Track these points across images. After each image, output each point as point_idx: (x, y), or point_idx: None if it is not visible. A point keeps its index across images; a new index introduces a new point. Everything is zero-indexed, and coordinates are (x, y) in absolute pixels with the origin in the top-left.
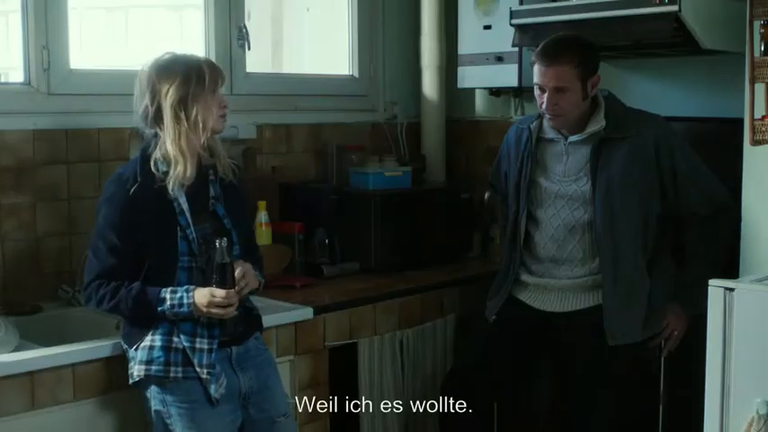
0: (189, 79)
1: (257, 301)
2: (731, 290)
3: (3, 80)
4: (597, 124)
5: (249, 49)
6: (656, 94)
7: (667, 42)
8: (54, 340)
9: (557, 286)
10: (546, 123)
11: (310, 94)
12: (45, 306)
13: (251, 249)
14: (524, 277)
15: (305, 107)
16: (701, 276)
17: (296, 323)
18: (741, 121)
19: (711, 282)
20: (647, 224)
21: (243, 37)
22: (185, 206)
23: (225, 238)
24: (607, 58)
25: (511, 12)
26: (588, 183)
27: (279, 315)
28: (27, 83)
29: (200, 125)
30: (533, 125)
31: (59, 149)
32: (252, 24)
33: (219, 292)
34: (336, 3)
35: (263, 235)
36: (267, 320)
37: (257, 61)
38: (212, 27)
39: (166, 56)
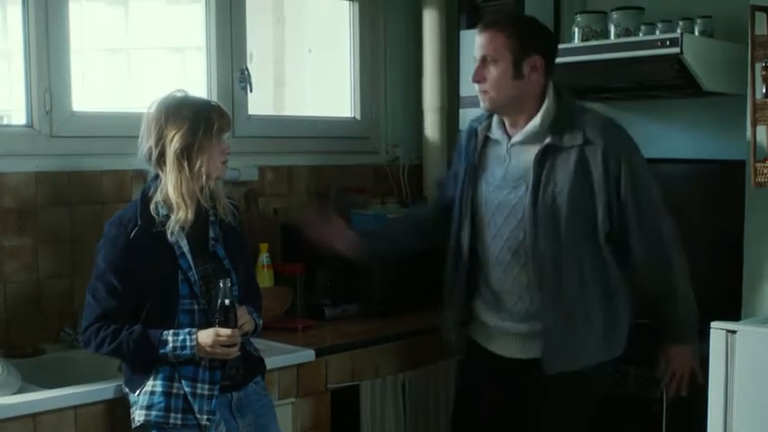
0: (197, 128)
1: (258, 344)
2: (733, 332)
3: (5, 122)
4: (532, 124)
5: (251, 91)
6: (658, 135)
7: (669, 84)
8: (56, 382)
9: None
10: (494, 122)
11: (312, 137)
12: (47, 348)
13: (251, 290)
14: (478, 310)
15: (307, 149)
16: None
17: (298, 365)
18: (743, 162)
19: (713, 324)
20: (595, 244)
21: (245, 79)
22: (186, 248)
23: (228, 279)
24: (609, 100)
25: None
26: (527, 193)
27: (280, 357)
28: (29, 125)
29: (203, 174)
30: (483, 124)
31: (62, 191)
32: (253, 66)
33: (224, 331)
34: (338, 44)
35: (265, 277)
36: (269, 363)
37: (259, 102)
38: (214, 69)
39: (177, 95)
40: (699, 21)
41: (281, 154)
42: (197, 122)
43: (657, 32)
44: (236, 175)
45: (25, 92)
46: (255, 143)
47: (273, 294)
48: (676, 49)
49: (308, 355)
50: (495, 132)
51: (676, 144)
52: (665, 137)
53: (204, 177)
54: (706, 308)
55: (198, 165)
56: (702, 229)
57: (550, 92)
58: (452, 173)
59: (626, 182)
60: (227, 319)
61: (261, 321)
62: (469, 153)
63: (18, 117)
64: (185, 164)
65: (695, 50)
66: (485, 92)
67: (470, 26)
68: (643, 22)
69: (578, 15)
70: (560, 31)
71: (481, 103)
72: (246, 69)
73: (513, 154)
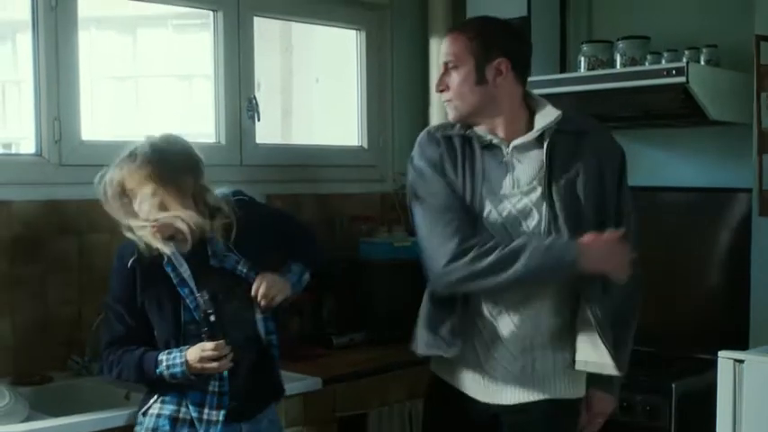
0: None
1: None
2: (741, 362)
3: (14, 150)
4: (547, 117)
5: (259, 120)
6: (664, 164)
7: (675, 113)
8: (64, 410)
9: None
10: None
11: (320, 165)
12: (55, 376)
13: (293, 245)
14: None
15: (314, 177)
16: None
17: (305, 394)
18: (749, 191)
19: (721, 354)
20: None
21: (252, 108)
22: (187, 274)
23: (205, 291)
24: (615, 129)
25: None
26: (543, 191)
27: (288, 385)
28: (39, 154)
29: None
30: (456, 129)
31: (70, 220)
32: (261, 94)
33: (209, 345)
34: (345, 74)
35: None
36: None
37: (266, 131)
38: (222, 98)
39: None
40: (704, 50)
41: (288, 182)
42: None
43: (663, 62)
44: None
45: (35, 121)
46: (263, 171)
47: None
48: (682, 79)
49: (315, 383)
50: (485, 136)
51: (682, 172)
52: (672, 165)
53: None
54: (712, 337)
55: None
56: (708, 258)
57: (539, 97)
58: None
59: (624, 191)
60: (212, 331)
61: (307, 276)
62: (466, 161)
63: (26, 145)
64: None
65: (701, 80)
66: (449, 101)
67: None
68: (649, 51)
69: (584, 45)
70: (566, 61)
71: (448, 114)
72: (254, 98)
73: (518, 157)
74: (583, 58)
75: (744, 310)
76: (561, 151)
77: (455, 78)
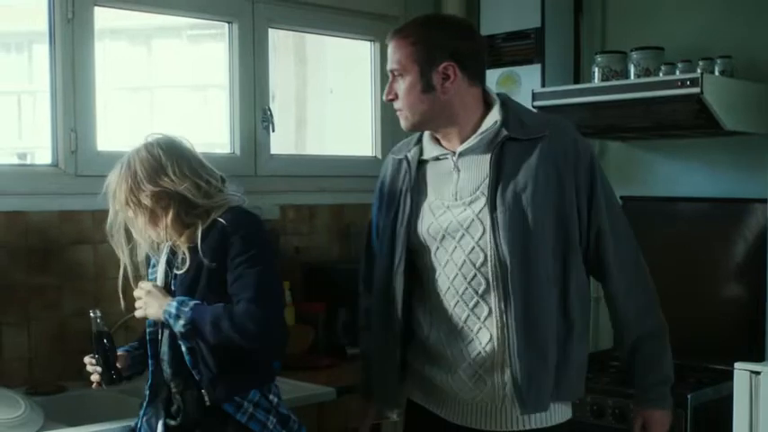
0: None
1: (279, 383)
2: (757, 373)
3: (29, 160)
4: (491, 119)
5: (273, 131)
6: (679, 174)
7: (690, 124)
8: (79, 420)
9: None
10: (426, 140)
11: (334, 175)
12: (70, 386)
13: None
14: (418, 366)
15: (328, 188)
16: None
17: (318, 404)
18: (764, 201)
19: (737, 365)
20: (567, 255)
21: (267, 119)
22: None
23: (98, 310)
24: (629, 139)
25: (533, 94)
26: (487, 200)
27: (302, 395)
28: (55, 164)
29: None
30: (412, 151)
31: (86, 230)
32: (276, 105)
33: (86, 359)
34: (359, 84)
35: (286, 315)
36: (290, 402)
37: (281, 142)
38: (237, 109)
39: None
40: (719, 61)
41: (302, 192)
42: None
43: (677, 72)
44: (257, 213)
45: (51, 131)
46: (277, 182)
47: (295, 332)
48: (697, 89)
49: (329, 393)
50: (432, 150)
51: (697, 183)
52: (686, 176)
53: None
54: (728, 348)
55: None
56: (724, 269)
57: (495, 96)
58: (376, 224)
59: (600, 189)
60: (96, 348)
61: (182, 321)
62: (399, 182)
63: (41, 155)
64: None
65: (715, 90)
66: (399, 110)
67: (490, 66)
68: (663, 62)
69: (598, 55)
70: (580, 71)
71: (401, 123)
72: (269, 109)
73: (464, 165)
74: (597, 69)
75: (760, 322)
76: (510, 159)
77: (402, 86)
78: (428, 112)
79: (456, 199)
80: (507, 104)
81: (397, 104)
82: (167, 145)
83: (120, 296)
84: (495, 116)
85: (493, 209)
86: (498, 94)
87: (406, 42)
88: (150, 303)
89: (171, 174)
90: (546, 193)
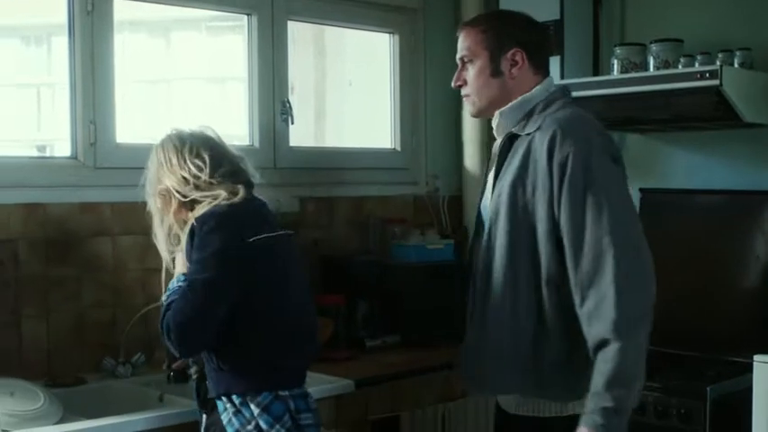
0: None
1: None
2: None
3: (48, 152)
4: (498, 112)
5: (292, 123)
6: (699, 166)
7: (709, 116)
8: (98, 412)
9: None
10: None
11: (353, 168)
12: (89, 378)
13: None
14: None
15: (347, 180)
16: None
17: (337, 396)
18: None
19: (756, 357)
20: (535, 253)
21: (286, 111)
22: None
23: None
24: (649, 132)
25: None
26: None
27: (321, 388)
28: (74, 157)
29: None
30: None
31: (105, 222)
32: (295, 97)
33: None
34: (379, 77)
35: None
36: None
37: (300, 134)
38: (256, 101)
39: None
40: (738, 53)
41: (321, 185)
42: None
43: (696, 65)
44: (276, 206)
45: (70, 124)
46: (296, 174)
47: None
48: (716, 82)
49: (348, 385)
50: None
51: (716, 175)
52: (705, 168)
53: None
54: (748, 341)
55: None
56: (743, 261)
57: (539, 87)
58: None
59: (572, 172)
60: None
61: (163, 297)
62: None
63: (60, 147)
64: None
65: (735, 82)
66: (467, 96)
67: None
68: (682, 54)
69: (617, 47)
70: (599, 64)
71: (467, 110)
72: (288, 101)
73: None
74: (616, 61)
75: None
76: (511, 154)
77: (471, 72)
78: (495, 97)
79: (488, 181)
80: (549, 101)
81: (464, 90)
82: (164, 142)
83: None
84: (507, 108)
85: (491, 196)
86: (556, 90)
87: (476, 30)
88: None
89: (166, 170)
90: (518, 186)
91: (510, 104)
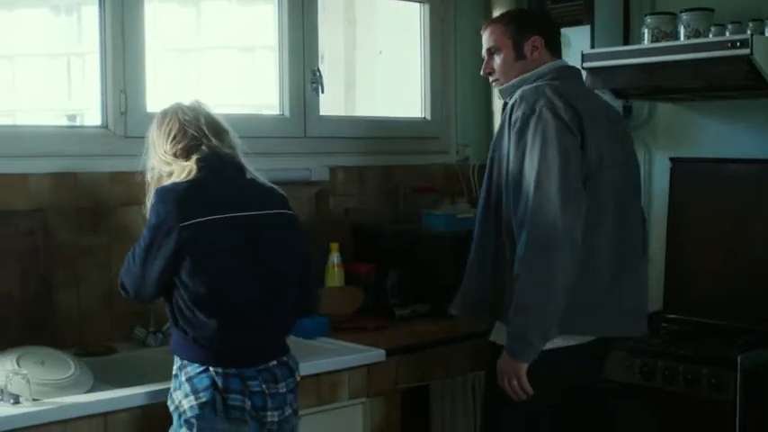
0: None
1: (329, 343)
2: None
3: (78, 122)
4: (498, 83)
5: (323, 92)
6: (729, 136)
7: (739, 85)
8: (128, 381)
9: None
10: None
11: (383, 137)
12: (119, 347)
13: None
14: None
15: (377, 149)
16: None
17: (368, 365)
18: None
19: None
20: (499, 197)
21: (316, 80)
22: None
23: None
24: (679, 101)
25: (582, 55)
26: None
27: (351, 357)
28: (104, 126)
29: None
30: None
31: (135, 191)
32: (325, 67)
33: None
34: (409, 46)
35: (336, 276)
36: (338, 362)
37: (330, 103)
38: (286, 70)
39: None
40: None
41: (351, 154)
42: None
43: (727, 33)
44: (307, 174)
45: (100, 93)
46: (326, 143)
47: (344, 294)
48: (746, 51)
49: (378, 354)
50: None
51: (746, 144)
52: (735, 137)
53: None
54: None
55: None
56: None
57: (542, 67)
58: None
59: (517, 130)
60: None
61: None
62: None
63: (90, 116)
64: None
65: (765, 51)
66: (496, 80)
67: None
68: (713, 23)
69: (648, 17)
70: (630, 33)
71: (497, 93)
72: (318, 71)
73: None
74: (646, 30)
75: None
76: (504, 119)
77: (497, 60)
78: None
79: None
80: (538, 77)
81: (493, 76)
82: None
83: None
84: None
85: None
86: (549, 70)
87: (500, 24)
88: None
89: (150, 147)
90: (494, 153)
91: (511, 82)
